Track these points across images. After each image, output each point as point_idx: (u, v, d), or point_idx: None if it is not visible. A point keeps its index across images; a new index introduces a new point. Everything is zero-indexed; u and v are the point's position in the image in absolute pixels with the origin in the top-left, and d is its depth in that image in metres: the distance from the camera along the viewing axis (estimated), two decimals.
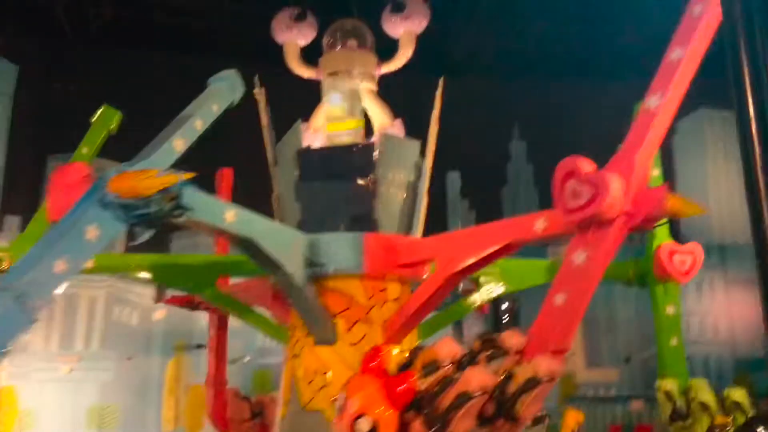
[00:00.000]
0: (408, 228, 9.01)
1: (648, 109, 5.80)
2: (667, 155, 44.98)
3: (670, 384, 11.81)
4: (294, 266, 7.55)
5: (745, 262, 43.41)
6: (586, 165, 5.64)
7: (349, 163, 9.02)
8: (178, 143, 6.67)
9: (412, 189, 9.14)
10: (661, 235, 10.38)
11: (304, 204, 9.02)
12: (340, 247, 8.17)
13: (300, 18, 10.80)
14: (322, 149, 9.68)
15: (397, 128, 9.98)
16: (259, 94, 9.45)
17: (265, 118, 9.47)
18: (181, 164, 6.53)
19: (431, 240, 8.27)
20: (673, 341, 11.07)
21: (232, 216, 6.69)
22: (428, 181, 9.34)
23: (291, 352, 8.32)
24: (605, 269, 5.83)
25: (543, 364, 5.16)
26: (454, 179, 28.69)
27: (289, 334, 8.56)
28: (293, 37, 10.62)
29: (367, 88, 10.15)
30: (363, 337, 7.91)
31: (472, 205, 29.84)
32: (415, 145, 9.46)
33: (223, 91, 7.85)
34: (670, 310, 11.09)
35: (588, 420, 16.39)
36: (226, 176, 11.84)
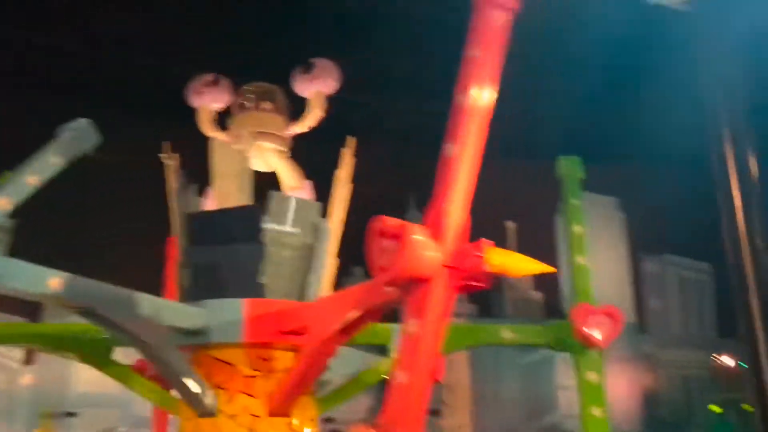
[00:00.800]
0: (301, 292, 8.57)
1: (447, 157, 5.45)
2: (550, 236, 46.71)
3: None
4: (152, 335, 6.99)
5: (621, 341, 45.47)
6: (392, 222, 5.33)
7: (235, 226, 8.67)
8: (2, 202, 6.33)
9: (309, 251, 8.72)
10: (583, 295, 10.06)
11: (192, 270, 8.63)
12: (219, 314, 7.70)
13: (214, 83, 10.80)
14: (209, 212, 9.24)
15: (306, 190, 9.77)
16: (168, 158, 9.19)
17: (172, 184, 9.13)
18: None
19: (312, 305, 7.91)
20: (596, 412, 10.42)
21: (58, 283, 6.16)
22: (335, 244, 9.15)
23: (240, 419, 7.79)
24: (442, 337, 5.33)
25: None
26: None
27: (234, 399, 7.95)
28: (206, 101, 10.65)
29: (276, 149, 10.09)
30: (243, 409, 7.47)
31: (367, 275, 29.51)
32: (314, 205, 9.16)
33: (69, 142, 7.51)
34: (592, 377, 10.48)
35: None
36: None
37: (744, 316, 9.06)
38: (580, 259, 9.96)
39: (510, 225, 47.50)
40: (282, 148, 10.13)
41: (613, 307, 9.50)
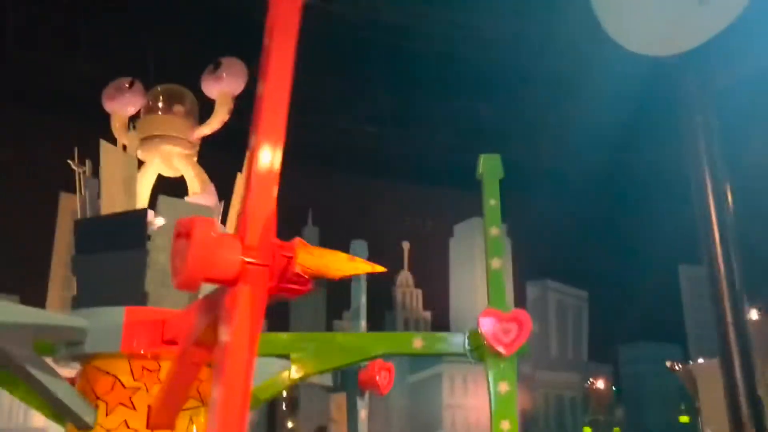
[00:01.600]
0: (193, 300, 8.47)
1: (249, 151, 5.57)
2: (444, 255, 47.77)
3: None
4: (15, 345, 6.73)
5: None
6: (185, 220, 5.37)
7: (120, 232, 8.61)
8: None
9: None
10: (496, 300, 10.13)
11: (78, 278, 8.33)
12: (98, 323, 7.41)
13: (128, 87, 10.53)
14: (96, 218, 8.92)
15: (210, 195, 9.60)
16: (77, 167, 9.11)
17: (81, 194, 8.99)
18: None
19: (182, 313, 7.81)
20: (505, 425, 10.18)
21: None
22: None
23: None
24: (255, 347, 5.30)
25: None
26: None
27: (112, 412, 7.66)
28: (118, 106, 10.61)
29: (182, 153, 9.88)
30: (122, 423, 7.17)
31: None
32: (207, 210, 8.95)
33: None
34: (502, 388, 10.37)
35: None
36: None
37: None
38: (495, 263, 9.42)
39: (405, 245, 48.09)
40: (188, 152, 10.02)
41: (521, 312, 9.09)
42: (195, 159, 10.27)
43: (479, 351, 9.72)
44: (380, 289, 44.15)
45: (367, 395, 13.95)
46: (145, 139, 9.76)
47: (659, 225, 59.48)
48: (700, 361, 29.60)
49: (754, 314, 20.63)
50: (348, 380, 12.32)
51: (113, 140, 10.51)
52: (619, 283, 57.61)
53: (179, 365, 6.58)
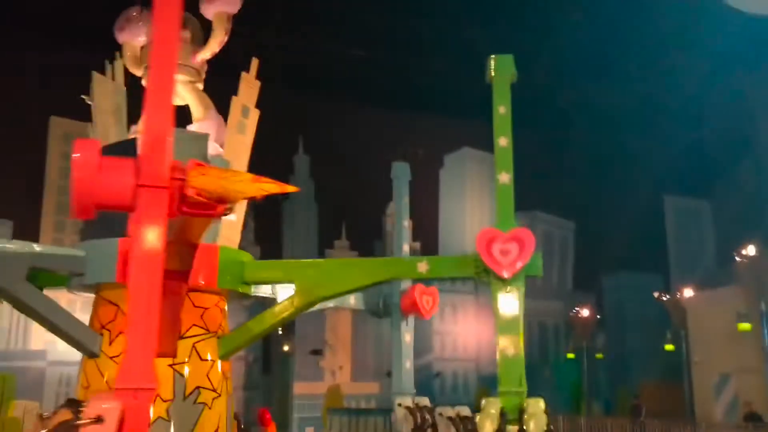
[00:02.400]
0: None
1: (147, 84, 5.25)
2: (434, 185, 47.47)
3: (493, 405, 10.84)
4: (8, 278, 6.54)
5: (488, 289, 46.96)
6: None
7: None
8: None
9: None
10: (504, 218, 9.65)
11: None
12: (97, 255, 7.26)
13: (137, 17, 10.25)
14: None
15: (212, 121, 9.28)
16: (89, 99, 9.08)
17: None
18: None
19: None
20: (510, 350, 9.46)
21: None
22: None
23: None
24: (157, 268, 5.06)
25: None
26: None
27: (115, 341, 7.67)
28: (128, 36, 10.08)
29: (184, 80, 9.58)
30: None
31: (250, 214, 29.07)
32: (200, 138, 8.65)
33: None
34: (508, 311, 9.48)
35: (351, 429, 16.08)
36: None
37: None
38: (504, 177, 8.56)
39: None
40: (191, 78, 9.55)
41: (522, 231, 8.01)
42: (200, 85, 9.85)
43: (486, 273, 8.40)
44: (370, 219, 44.02)
45: (411, 319, 13.60)
46: (148, 68, 9.41)
47: (645, 156, 59.28)
48: (690, 292, 29.83)
49: (752, 250, 20.56)
50: (390, 306, 12.08)
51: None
52: (605, 214, 57.72)
53: (162, 294, 6.49)
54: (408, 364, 12.14)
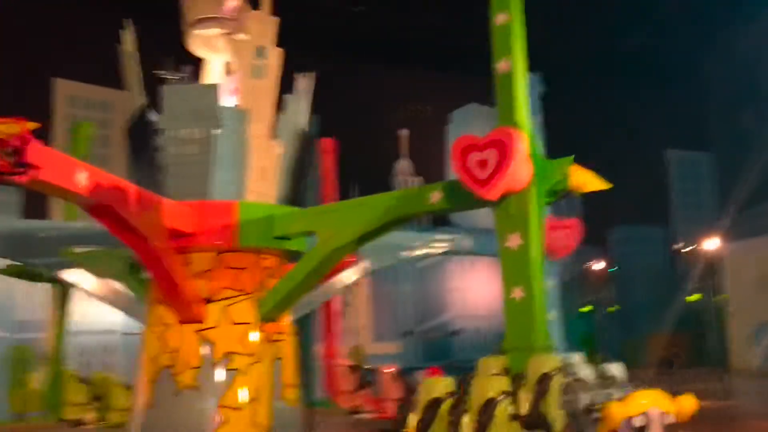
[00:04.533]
0: (205, 189, 8.07)
1: None
2: (441, 141, 46.20)
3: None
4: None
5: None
6: None
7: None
8: None
9: (208, 142, 8.08)
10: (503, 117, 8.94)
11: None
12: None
13: None
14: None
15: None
16: (126, 43, 8.65)
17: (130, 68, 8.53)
18: None
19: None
20: (517, 292, 8.70)
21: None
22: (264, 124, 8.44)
23: (154, 328, 7.62)
24: None
25: None
26: None
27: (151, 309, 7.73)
28: None
29: (219, 33, 9.03)
30: (157, 319, 7.58)
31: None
32: (208, 90, 8.20)
33: None
34: (512, 242, 9.02)
35: None
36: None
37: None
38: (503, 65, 7.10)
39: (403, 133, 46.41)
40: (226, 30, 8.79)
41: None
42: (240, 35, 8.76)
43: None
44: (379, 179, 42.85)
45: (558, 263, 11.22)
46: (196, 22, 8.91)
47: (649, 110, 58.03)
48: (714, 243, 28.85)
49: None
50: None
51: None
52: (610, 167, 56.51)
53: (151, 257, 6.83)
54: (551, 315, 10.63)
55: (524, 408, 5.92)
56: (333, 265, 7.59)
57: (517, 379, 6.11)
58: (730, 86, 57.37)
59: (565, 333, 45.41)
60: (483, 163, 6.17)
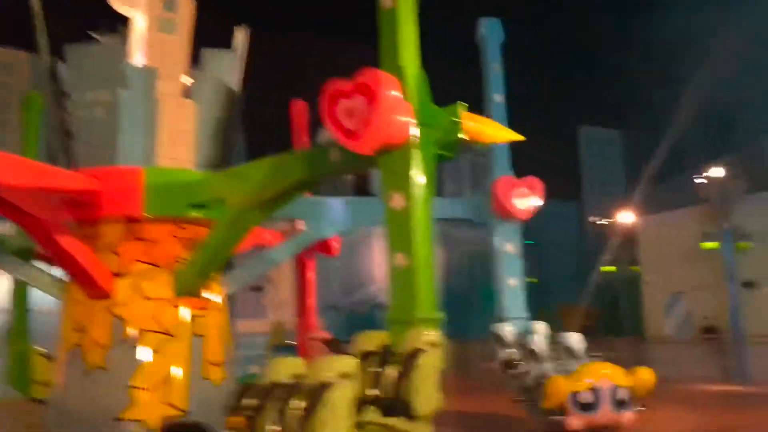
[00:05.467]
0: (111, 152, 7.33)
1: None
2: None
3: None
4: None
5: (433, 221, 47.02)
6: None
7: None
8: None
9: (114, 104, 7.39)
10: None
11: None
12: None
13: None
14: None
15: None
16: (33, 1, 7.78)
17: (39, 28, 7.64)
18: None
19: None
20: (512, 281, 9.43)
21: None
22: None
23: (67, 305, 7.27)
24: None
25: None
26: None
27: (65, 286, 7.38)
28: None
29: None
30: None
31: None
32: (112, 50, 7.50)
33: None
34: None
35: None
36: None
37: None
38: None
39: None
40: None
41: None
42: None
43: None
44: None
45: (513, 226, 11.30)
46: None
47: (561, 89, 59.21)
48: (628, 216, 29.68)
49: (720, 171, 20.12)
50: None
51: None
52: (524, 142, 57.84)
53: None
54: (513, 281, 10.19)
55: (388, 390, 5.30)
56: (244, 233, 6.98)
57: (373, 356, 5.50)
58: (642, 69, 59.20)
59: (480, 305, 46.26)
60: (351, 112, 5.48)
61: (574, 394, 10.05)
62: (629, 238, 29.58)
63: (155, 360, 6.88)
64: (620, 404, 10.16)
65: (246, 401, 5.27)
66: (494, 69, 9.40)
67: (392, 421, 5.27)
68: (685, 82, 42.80)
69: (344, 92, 5.52)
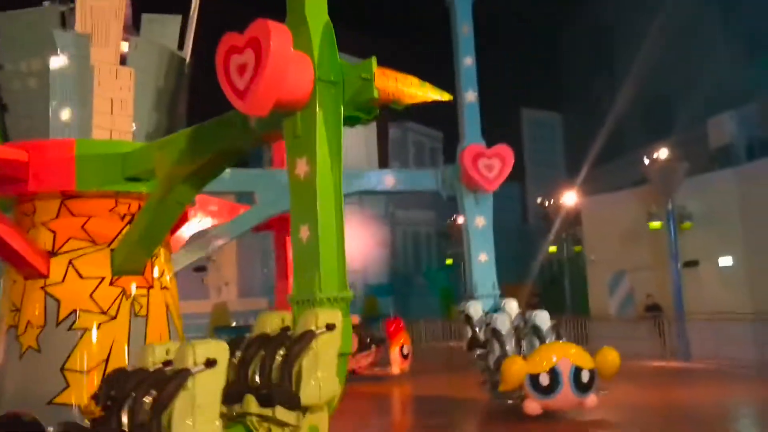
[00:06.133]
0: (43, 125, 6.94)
1: None
2: None
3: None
4: None
5: (379, 202, 46.89)
6: None
7: None
8: None
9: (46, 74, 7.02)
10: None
11: None
12: None
13: None
14: None
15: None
16: None
17: None
18: None
19: None
20: (482, 257, 9.25)
21: None
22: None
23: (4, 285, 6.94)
24: None
25: None
26: None
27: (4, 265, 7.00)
28: None
29: None
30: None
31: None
32: (43, 14, 7.10)
33: None
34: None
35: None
36: None
37: None
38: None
39: None
40: None
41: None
42: None
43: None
44: None
45: (486, 198, 11.13)
46: None
47: (503, 69, 59.77)
48: (571, 198, 30.13)
49: (664, 153, 20.44)
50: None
51: None
52: None
53: None
54: (483, 256, 9.83)
55: (272, 377, 4.81)
56: (178, 207, 6.60)
57: (268, 340, 5.01)
58: (583, 52, 59.98)
59: (425, 285, 46.44)
60: (243, 69, 4.87)
61: (532, 376, 9.63)
62: (572, 218, 30.10)
63: (92, 342, 6.51)
64: (583, 387, 9.69)
65: (103, 391, 4.68)
66: (464, 31, 9.23)
67: (271, 411, 4.75)
68: (626, 65, 43.60)
69: (237, 47, 4.91)
